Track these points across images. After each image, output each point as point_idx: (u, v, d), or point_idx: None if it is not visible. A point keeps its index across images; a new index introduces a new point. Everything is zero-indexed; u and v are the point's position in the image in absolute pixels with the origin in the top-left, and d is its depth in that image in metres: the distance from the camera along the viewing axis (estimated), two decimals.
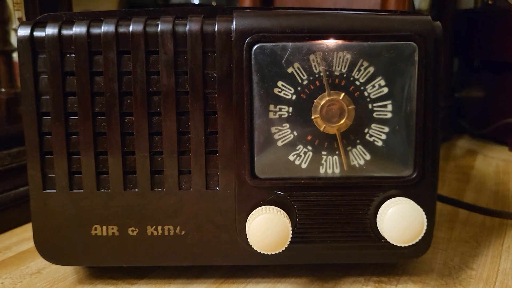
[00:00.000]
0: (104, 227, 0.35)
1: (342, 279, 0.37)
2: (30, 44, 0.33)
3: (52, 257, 0.35)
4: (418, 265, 0.39)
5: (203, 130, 0.34)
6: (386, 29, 0.33)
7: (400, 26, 0.33)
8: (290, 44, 0.33)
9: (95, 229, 0.35)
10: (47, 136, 0.34)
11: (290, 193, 0.34)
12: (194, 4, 0.73)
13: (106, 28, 0.33)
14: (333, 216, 0.34)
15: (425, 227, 0.32)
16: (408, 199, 0.33)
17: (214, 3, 0.48)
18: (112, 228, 0.35)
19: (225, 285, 0.37)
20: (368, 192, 0.34)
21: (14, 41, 0.66)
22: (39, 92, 0.33)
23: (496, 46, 0.75)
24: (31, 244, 0.44)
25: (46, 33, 0.33)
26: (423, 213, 0.32)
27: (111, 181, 0.34)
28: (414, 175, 0.34)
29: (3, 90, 0.62)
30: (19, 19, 0.61)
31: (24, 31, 0.33)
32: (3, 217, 0.46)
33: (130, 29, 0.33)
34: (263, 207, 0.33)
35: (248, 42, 0.32)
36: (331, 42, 0.33)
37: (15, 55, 0.66)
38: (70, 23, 0.33)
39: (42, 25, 0.33)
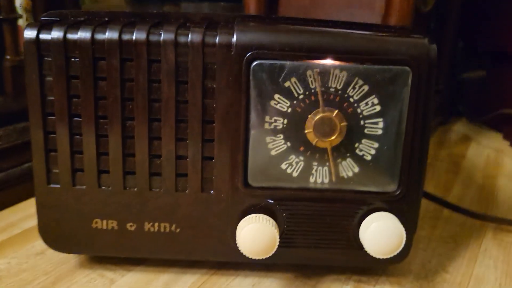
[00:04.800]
0: (104, 221, 0.37)
1: (324, 277, 0.40)
2: (36, 46, 0.34)
3: (55, 245, 0.38)
4: (397, 265, 0.42)
5: (201, 137, 0.35)
6: (382, 52, 0.34)
7: (396, 49, 0.34)
8: (288, 62, 0.33)
9: (96, 222, 0.37)
10: (51, 135, 0.35)
11: (279, 202, 0.36)
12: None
13: (110, 35, 0.34)
14: (318, 225, 0.37)
15: (403, 243, 0.34)
16: (390, 215, 0.35)
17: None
18: (112, 223, 0.37)
19: (215, 276, 0.39)
20: (353, 205, 0.36)
21: (18, 8, 0.66)
22: (44, 93, 0.35)
23: (499, 35, 0.74)
24: (35, 221, 0.46)
25: (52, 36, 0.34)
26: (403, 229, 0.34)
27: (111, 180, 0.36)
28: (398, 192, 0.36)
29: (8, 57, 0.63)
30: None
31: (30, 34, 0.34)
32: (9, 193, 0.49)
33: (134, 37, 0.34)
34: (253, 215, 0.35)
35: (248, 58, 0.33)
36: (328, 62, 0.34)
37: (20, 22, 0.66)
38: (76, 27, 0.34)
39: (48, 27, 0.34)
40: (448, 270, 0.42)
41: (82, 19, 0.36)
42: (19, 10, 0.65)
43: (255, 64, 0.34)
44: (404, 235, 0.34)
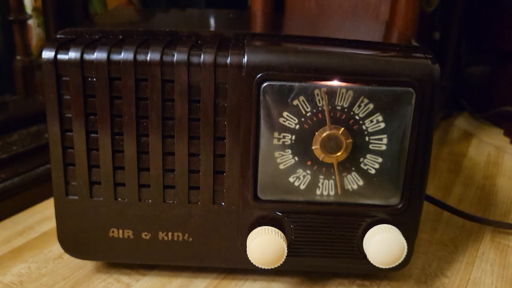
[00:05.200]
0: (121, 231, 0.39)
1: (330, 281, 0.42)
2: (54, 67, 0.35)
3: (74, 253, 0.40)
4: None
5: (212, 153, 0.37)
6: (387, 73, 0.35)
7: (400, 71, 0.35)
8: (297, 84, 0.35)
9: (112, 231, 0.39)
10: (70, 150, 0.37)
11: (287, 215, 0.38)
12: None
13: (125, 56, 0.35)
14: (324, 236, 0.38)
15: (405, 254, 0.36)
16: (392, 227, 0.37)
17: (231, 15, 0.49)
18: (128, 232, 0.39)
19: (226, 280, 0.42)
20: (357, 218, 0.38)
21: (28, 8, 0.67)
22: (62, 111, 0.36)
23: (503, 33, 0.75)
24: (52, 223, 0.48)
25: (69, 57, 0.35)
26: (404, 242, 0.36)
27: (127, 192, 0.38)
28: (400, 205, 0.37)
29: (18, 58, 0.64)
30: None
31: (48, 54, 0.35)
32: (26, 196, 0.50)
33: (148, 58, 0.35)
34: (263, 228, 0.37)
35: (258, 80, 0.35)
36: (335, 83, 0.35)
37: (30, 22, 0.67)
38: (92, 47, 0.35)
39: (65, 47, 0.36)
40: (447, 275, 0.44)
41: (97, 37, 0.37)
42: (29, 11, 0.67)
43: (265, 86, 0.35)
44: (406, 247, 0.36)
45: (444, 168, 0.65)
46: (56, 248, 0.45)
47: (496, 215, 0.54)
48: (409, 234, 0.37)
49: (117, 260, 0.41)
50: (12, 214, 0.50)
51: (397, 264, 0.37)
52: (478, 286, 0.42)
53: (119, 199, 0.38)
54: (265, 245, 0.36)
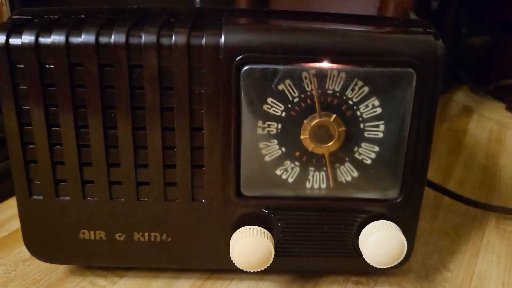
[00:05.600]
0: (92, 232, 0.35)
1: (322, 278, 0.39)
2: (7, 53, 0.31)
3: (43, 256, 0.37)
4: None
5: (189, 145, 0.33)
6: (384, 53, 0.31)
7: (399, 49, 0.31)
8: (282, 67, 0.31)
9: (83, 233, 0.35)
10: (30, 145, 0.33)
11: (274, 212, 0.34)
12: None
13: (86, 38, 0.31)
14: (316, 234, 0.35)
15: (404, 253, 0.33)
16: (391, 224, 0.33)
17: None
18: (100, 233, 0.35)
19: (210, 280, 0.38)
20: (352, 213, 0.34)
21: None
22: (19, 102, 0.32)
23: (505, 0, 0.70)
24: None
25: (23, 41, 0.31)
26: (404, 239, 0.33)
27: (96, 191, 0.34)
28: (399, 199, 0.34)
29: None
30: None
31: None
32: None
33: (112, 40, 0.31)
34: (247, 228, 0.33)
35: (237, 63, 0.31)
36: (325, 65, 0.31)
37: None
38: (48, 29, 0.31)
39: (18, 31, 0.31)
40: (450, 268, 0.41)
41: (56, 17, 0.33)
42: None
43: (246, 69, 0.31)
44: (406, 245, 0.33)
45: (443, 148, 0.61)
46: (24, 249, 0.41)
47: (500, 200, 0.51)
48: (409, 230, 0.34)
49: (89, 263, 0.37)
50: None
51: (395, 264, 0.33)
52: (483, 280, 0.39)
53: (89, 198, 0.34)
54: (250, 247, 0.32)
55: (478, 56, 0.80)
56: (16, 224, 0.45)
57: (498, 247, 0.43)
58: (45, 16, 0.33)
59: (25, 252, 0.41)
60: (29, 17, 0.33)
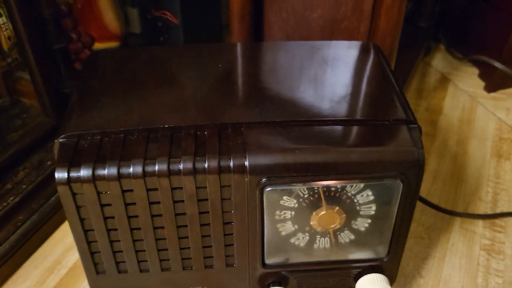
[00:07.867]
0: None
1: None
2: (69, 188, 0.38)
3: None
4: None
5: (222, 232, 0.42)
6: (377, 169, 0.38)
7: (390, 166, 0.38)
8: (297, 187, 0.38)
9: None
10: (94, 243, 0.41)
11: (291, 273, 0.44)
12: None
13: (134, 169, 0.37)
14: (323, 284, 0.45)
15: None
16: (381, 277, 0.44)
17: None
18: None
19: None
20: (350, 271, 0.45)
21: None
22: (82, 217, 0.40)
23: None
24: (75, 255, 0.54)
25: (82, 175, 0.37)
26: None
27: (150, 267, 0.43)
28: (386, 258, 0.44)
29: None
30: None
31: (61, 175, 0.37)
32: (44, 230, 0.55)
33: (156, 169, 0.37)
34: None
35: (261, 185, 0.38)
36: (332, 182, 0.39)
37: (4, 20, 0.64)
38: (102, 164, 0.37)
39: (77, 166, 0.37)
40: (422, 274, 0.52)
41: (99, 138, 0.39)
42: None
43: (268, 190, 0.38)
44: None
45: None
46: (86, 284, 0.51)
47: (466, 193, 0.61)
48: (391, 274, 0.45)
49: None
50: (36, 247, 0.55)
51: None
52: (447, 284, 0.51)
53: (143, 271, 0.44)
54: None
55: (458, 19, 0.84)
56: (71, 259, 0.54)
57: (461, 249, 0.55)
58: (89, 138, 0.39)
59: None
60: (75, 140, 0.39)
